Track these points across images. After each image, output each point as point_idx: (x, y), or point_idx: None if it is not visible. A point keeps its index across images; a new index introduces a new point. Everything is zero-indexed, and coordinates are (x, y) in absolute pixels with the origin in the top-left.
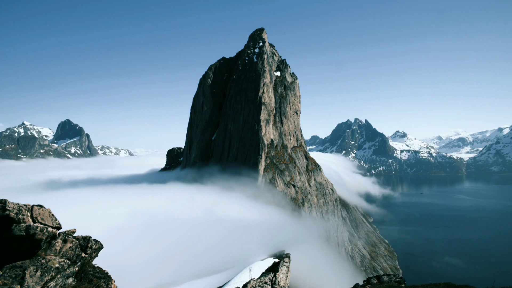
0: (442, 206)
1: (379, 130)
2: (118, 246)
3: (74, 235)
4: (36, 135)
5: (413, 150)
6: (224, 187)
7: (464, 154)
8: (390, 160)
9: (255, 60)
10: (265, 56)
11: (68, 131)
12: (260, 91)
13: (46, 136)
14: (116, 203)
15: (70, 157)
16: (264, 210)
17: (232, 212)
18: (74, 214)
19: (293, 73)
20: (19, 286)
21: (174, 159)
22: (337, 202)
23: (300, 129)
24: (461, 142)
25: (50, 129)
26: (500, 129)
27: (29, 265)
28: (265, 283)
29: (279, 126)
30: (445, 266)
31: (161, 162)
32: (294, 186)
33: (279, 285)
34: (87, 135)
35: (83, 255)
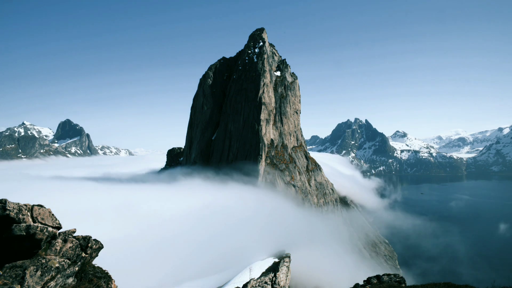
0: (442, 206)
1: (379, 130)
2: (118, 246)
3: (74, 235)
4: (36, 135)
5: (413, 150)
6: (224, 186)
7: (464, 154)
8: (390, 160)
9: (255, 60)
10: (265, 56)
11: (68, 131)
12: (260, 91)
13: (46, 136)
14: (117, 203)
15: (70, 157)
16: (264, 209)
17: (232, 211)
18: (75, 212)
19: (293, 73)
20: (19, 285)
21: (174, 159)
22: (337, 202)
23: (300, 129)
24: (461, 142)
25: (50, 129)
26: (500, 129)
27: (29, 265)
28: (265, 283)
29: (279, 126)
30: (446, 266)
31: (161, 162)
32: (294, 186)
33: (279, 285)
34: (87, 135)
35: (83, 255)
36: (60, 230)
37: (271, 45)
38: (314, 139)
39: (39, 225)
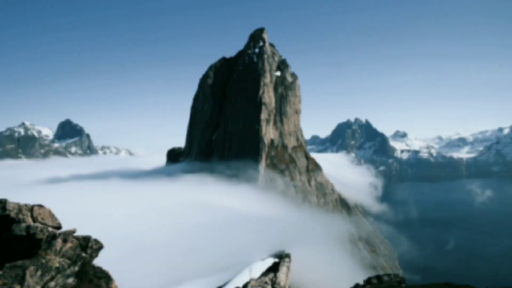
0: (442, 206)
1: (380, 130)
2: (118, 245)
3: (74, 235)
4: (36, 135)
5: (413, 150)
6: (224, 187)
7: (465, 154)
8: (391, 160)
9: (255, 60)
10: (266, 56)
11: (69, 131)
12: (260, 91)
13: (46, 136)
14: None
15: (70, 157)
16: (264, 209)
17: (232, 211)
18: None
19: (293, 73)
20: (19, 285)
21: (174, 159)
22: (337, 202)
23: (301, 129)
24: (462, 142)
25: (50, 129)
26: (501, 129)
27: (29, 265)
28: (265, 283)
29: (279, 126)
30: (445, 266)
31: (161, 162)
32: (294, 186)
33: (279, 285)
34: (88, 135)
35: (84, 255)
36: (60, 230)
37: (271, 45)
38: (314, 139)
39: (39, 225)
